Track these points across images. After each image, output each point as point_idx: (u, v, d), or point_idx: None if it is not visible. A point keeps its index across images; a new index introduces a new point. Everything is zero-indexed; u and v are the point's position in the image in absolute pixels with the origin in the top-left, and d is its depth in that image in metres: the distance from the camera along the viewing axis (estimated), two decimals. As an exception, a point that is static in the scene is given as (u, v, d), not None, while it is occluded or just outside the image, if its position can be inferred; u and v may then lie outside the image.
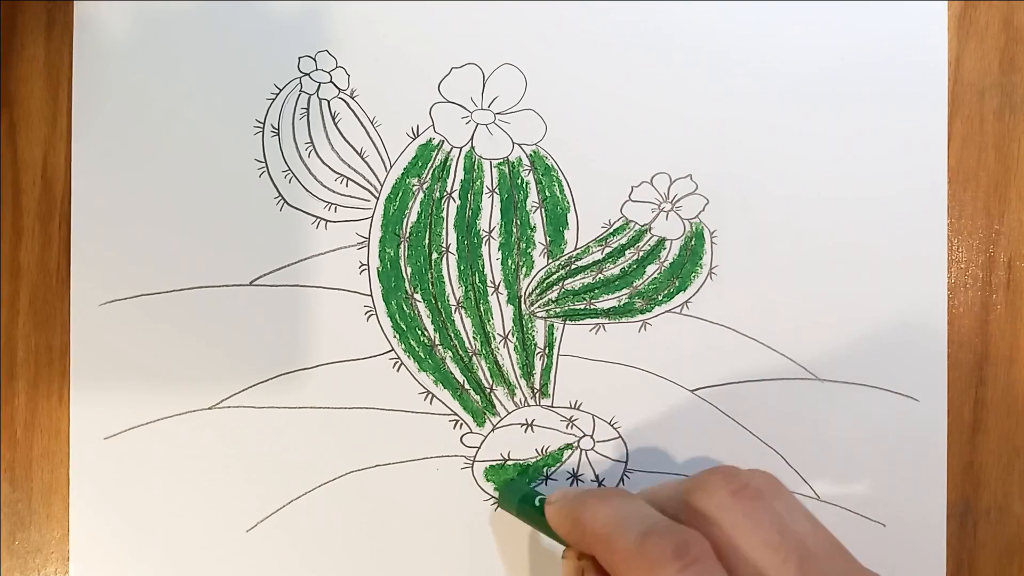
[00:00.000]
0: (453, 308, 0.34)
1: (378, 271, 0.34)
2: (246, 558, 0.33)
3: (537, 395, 0.34)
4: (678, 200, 0.34)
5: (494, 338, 0.34)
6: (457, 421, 0.34)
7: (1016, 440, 0.34)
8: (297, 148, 0.34)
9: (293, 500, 0.33)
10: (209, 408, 0.33)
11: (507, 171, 0.34)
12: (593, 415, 0.34)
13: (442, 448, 0.34)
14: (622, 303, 0.34)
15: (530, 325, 0.34)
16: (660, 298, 0.34)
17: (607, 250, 0.34)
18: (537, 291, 0.34)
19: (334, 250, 0.34)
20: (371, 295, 0.34)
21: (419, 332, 0.34)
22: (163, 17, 0.34)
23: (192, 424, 0.33)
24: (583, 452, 0.34)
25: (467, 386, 0.34)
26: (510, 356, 0.34)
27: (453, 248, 0.34)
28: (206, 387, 0.33)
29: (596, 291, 0.34)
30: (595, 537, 0.26)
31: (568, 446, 0.34)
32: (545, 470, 0.34)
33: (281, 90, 0.34)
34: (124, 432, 0.33)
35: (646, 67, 0.34)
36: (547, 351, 0.34)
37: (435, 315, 0.34)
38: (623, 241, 0.34)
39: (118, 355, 0.33)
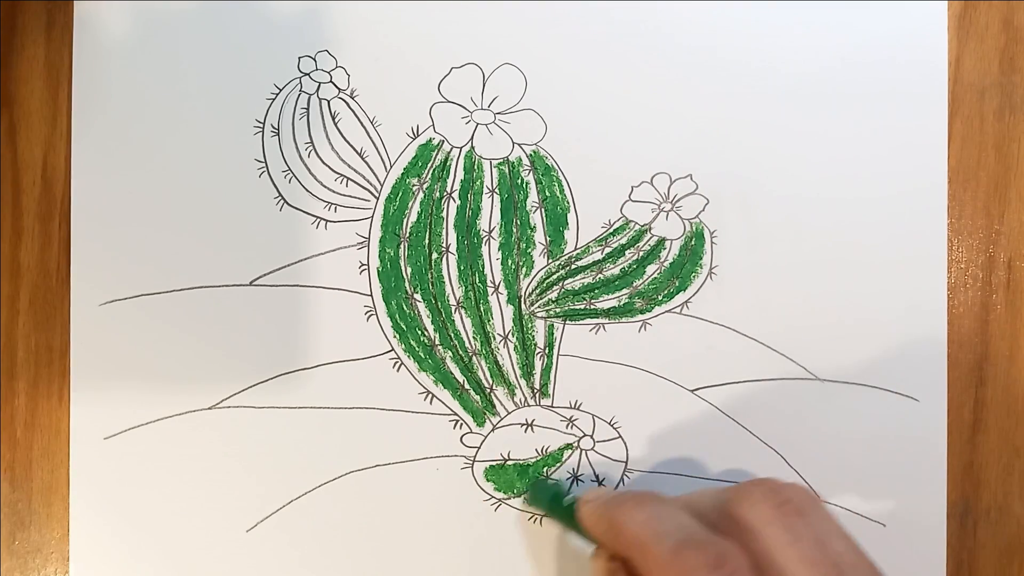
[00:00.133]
0: (453, 308, 0.34)
1: (378, 271, 0.34)
2: (246, 558, 0.33)
3: (537, 395, 0.34)
4: (678, 200, 0.34)
5: (494, 338, 0.34)
6: (457, 421, 0.34)
7: (1016, 440, 0.34)
8: (297, 148, 0.34)
9: (293, 500, 0.33)
10: (209, 408, 0.33)
11: (507, 171, 0.34)
12: (593, 415, 0.34)
13: (442, 448, 0.34)
14: (622, 303, 0.34)
15: (530, 325, 0.34)
16: (660, 298, 0.34)
17: (607, 250, 0.34)
18: (537, 291, 0.34)
19: (334, 250, 0.34)
20: (371, 295, 0.34)
21: (419, 332, 0.34)
22: (163, 17, 0.34)
23: (192, 424, 0.33)
24: (583, 452, 0.34)
25: (467, 386, 0.34)
26: (510, 356, 0.34)
27: (453, 248, 0.34)
28: (206, 387, 0.33)
29: (596, 291, 0.34)
30: (631, 541, 0.26)
31: (568, 446, 0.34)
32: (545, 470, 0.34)
33: (281, 90, 0.34)
34: (124, 432, 0.33)
35: (646, 67, 0.34)
36: (547, 351, 0.34)
37: (435, 315, 0.34)
38: (623, 241, 0.34)
39: (118, 355, 0.33)
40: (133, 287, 0.33)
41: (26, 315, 0.34)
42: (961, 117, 0.35)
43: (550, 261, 0.34)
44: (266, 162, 0.34)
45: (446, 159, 0.34)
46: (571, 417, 0.34)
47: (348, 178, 0.34)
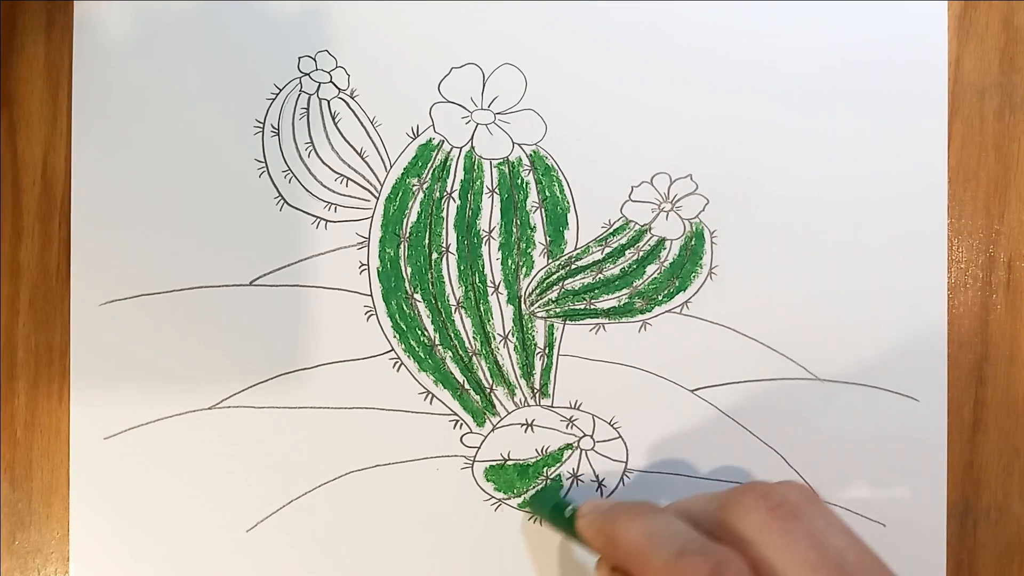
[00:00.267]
0: (453, 308, 0.34)
1: (378, 271, 0.34)
2: (246, 558, 0.33)
3: (537, 395, 0.34)
4: (678, 200, 0.34)
5: (494, 338, 0.34)
6: (457, 421, 0.34)
7: (1016, 440, 0.34)
8: (297, 148, 0.34)
9: (293, 500, 0.33)
10: (209, 408, 0.33)
11: (507, 171, 0.34)
12: (593, 415, 0.34)
13: (442, 448, 0.34)
14: (622, 303, 0.34)
15: (530, 325, 0.34)
16: (660, 298, 0.34)
17: (607, 250, 0.34)
18: (537, 291, 0.34)
19: (334, 250, 0.34)
20: (371, 295, 0.34)
21: (419, 332, 0.34)
22: (163, 17, 0.34)
23: (192, 424, 0.33)
24: (583, 452, 0.34)
25: (467, 386, 0.34)
26: (510, 356, 0.34)
27: (453, 248, 0.34)
28: (206, 387, 0.33)
29: (596, 291, 0.34)
30: (629, 554, 0.26)
31: (568, 446, 0.34)
32: (545, 470, 0.34)
33: (281, 90, 0.34)
34: (124, 432, 0.33)
35: (646, 67, 0.34)
36: (547, 351, 0.34)
37: (435, 315, 0.34)
38: (623, 241, 0.34)
39: (118, 355, 0.33)
40: (133, 287, 0.33)
41: (26, 315, 0.34)
42: (961, 117, 0.35)
43: (550, 261, 0.34)
44: (266, 162, 0.34)
45: (446, 159, 0.34)
46: (571, 417, 0.34)
47: (348, 178, 0.34)
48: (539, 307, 0.34)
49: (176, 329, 0.33)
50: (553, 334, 0.34)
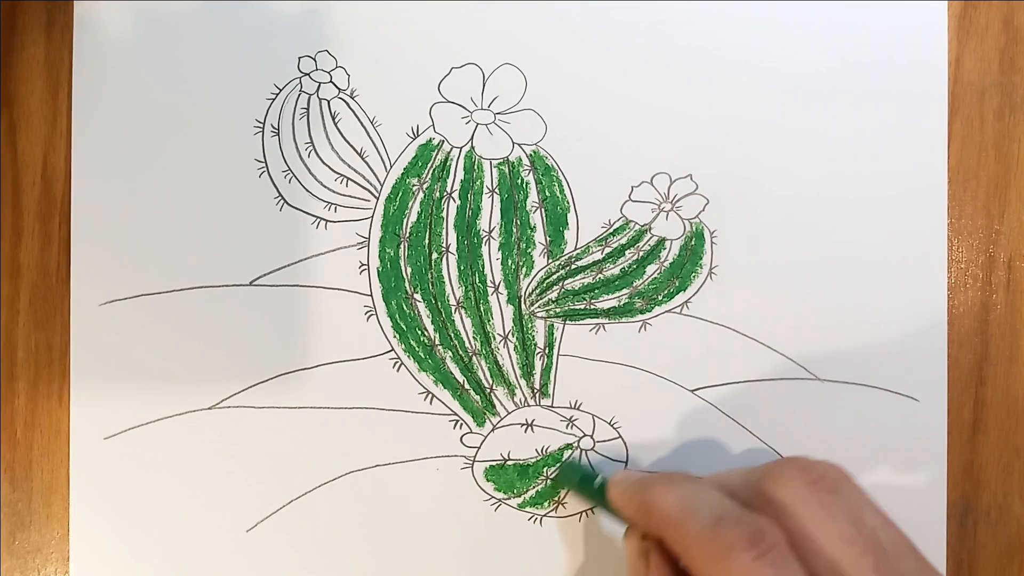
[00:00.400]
0: (453, 308, 0.34)
1: (378, 271, 0.34)
2: (246, 558, 0.33)
3: (537, 395, 0.34)
4: (678, 200, 0.34)
5: (494, 338, 0.34)
6: (457, 421, 0.34)
7: (1016, 440, 0.34)
8: (297, 148, 0.34)
9: (293, 500, 0.33)
10: (209, 408, 0.33)
11: (507, 171, 0.34)
12: (593, 415, 0.34)
13: (442, 448, 0.34)
14: (622, 303, 0.34)
15: (530, 325, 0.34)
16: (660, 298, 0.34)
17: (607, 250, 0.34)
18: (537, 291, 0.34)
19: (334, 250, 0.34)
20: (371, 295, 0.34)
21: (419, 332, 0.34)
22: (163, 17, 0.34)
23: (192, 424, 0.33)
24: (583, 452, 0.34)
25: (467, 386, 0.34)
26: (510, 356, 0.34)
27: (453, 248, 0.34)
28: (206, 387, 0.33)
29: (596, 291, 0.34)
30: (665, 520, 0.26)
31: (568, 446, 0.34)
32: (545, 470, 0.34)
33: (281, 90, 0.34)
34: (124, 432, 0.33)
35: (646, 67, 0.34)
36: (547, 351, 0.34)
37: (435, 315, 0.34)
38: (623, 241, 0.34)
39: (118, 355, 0.33)
40: (133, 287, 0.33)
41: (26, 315, 0.34)
42: (961, 117, 0.35)
43: (550, 261, 0.34)
44: (266, 162, 0.34)
45: (446, 159, 0.34)
46: (571, 417, 0.34)
47: (348, 178, 0.34)
48: (539, 307, 0.34)
49: (176, 329, 0.33)
50: (553, 334, 0.34)
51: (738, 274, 0.34)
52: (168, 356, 0.33)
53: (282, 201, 0.34)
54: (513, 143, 0.34)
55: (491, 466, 0.34)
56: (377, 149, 0.34)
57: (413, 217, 0.34)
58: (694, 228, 0.34)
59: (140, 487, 0.33)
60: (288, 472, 0.33)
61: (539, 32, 0.34)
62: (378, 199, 0.34)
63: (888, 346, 0.34)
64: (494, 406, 0.34)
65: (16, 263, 0.34)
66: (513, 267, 0.34)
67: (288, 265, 0.34)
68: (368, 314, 0.34)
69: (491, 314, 0.34)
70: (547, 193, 0.34)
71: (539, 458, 0.34)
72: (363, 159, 0.34)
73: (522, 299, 0.34)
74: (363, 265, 0.34)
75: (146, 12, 0.34)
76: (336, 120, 0.34)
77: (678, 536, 0.25)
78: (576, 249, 0.34)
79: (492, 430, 0.34)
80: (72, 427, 0.33)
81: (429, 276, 0.34)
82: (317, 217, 0.34)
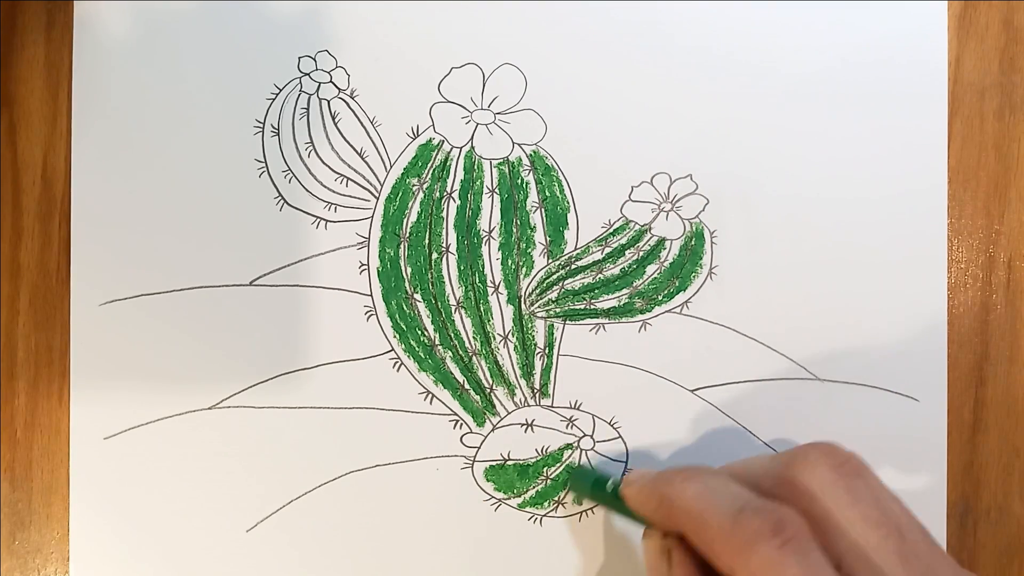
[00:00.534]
0: (453, 308, 0.34)
1: (378, 271, 0.34)
2: (246, 558, 0.33)
3: (537, 395, 0.34)
4: (678, 200, 0.34)
5: (494, 338, 0.34)
6: (457, 421, 0.34)
7: (1016, 440, 0.34)
8: (297, 148, 0.34)
9: (293, 500, 0.33)
10: (209, 408, 0.33)
11: (507, 171, 0.34)
12: (593, 415, 0.34)
13: (442, 448, 0.34)
14: (622, 303, 0.34)
15: (530, 325, 0.34)
16: (660, 298, 0.34)
17: (607, 250, 0.34)
18: (537, 291, 0.34)
19: (334, 250, 0.34)
20: (371, 295, 0.34)
21: (419, 332, 0.34)
22: (163, 17, 0.34)
23: (192, 424, 0.33)
24: (583, 452, 0.34)
25: (467, 386, 0.34)
26: (510, 356, 0.34)
27: (453, 248, 0.34)
28: (206, 387, 0.33)
29: (596, 291, 0.34)
30: (686, 514, 0.26)
31: (568, 446, 0.34)
32: (545, 470, 0.34)
33: (281, 90, 0.34)
34: (124, 432, 0.33)
35: (646, 67, 0.34)
36: (547, 351, 0.34)
37: (435, 315, 0.34)
38: (623, 241, 0.34)
39: (118, 355, 0.33)
40: (133, 287, 0.33)
41: (26, 315, 0.34)
42: (961, 117, 0.35)
43: (550, 261, 0.34)
44: (266, 162, 0.34)
45: (446, 159, 0.34)
46: (571, 417, 0.34)
47: (348, 178, 0.34)
48: (539, 307, 0.34)
49: (176, 329, 0.33)
50: (553, 334, 0.34)
51: (738, 274, 0.34)
52: (168, 356, 0.33)
53: (282, 201, 0.34)
54: (513, 143, 0.34)
55: (491, 466, 0.34)
56: (377, 149, 0.34)
57: (413, 217, 0.34)
58: (694, 228, 0.34)
59: (140, 487, 0.33)
60: (288, 472, 0.33)
61: (539, 32, 0.34)
62: (378, 199, 0.34)
63: (888, 346, 0.34)
64: (494, 406, 0.34)
65: (16, 263, 0.34)
66: (513, 267, 0.34)
67: (288, 265, 0.34)
68: (368, 314, 0.34)
69: (491, 314, 0.34)
70: (547, 193, 0.34)
71: (539, 458, 0.34)
72: (363, 159, 0.34)
73: (522, 299, 0.34)
74: (363, 265, 0.34)
75: (146, 12, 0.34)
76: (336, 120, 0.34)
77: (699, 529, 0.25)
78: (576, 249, 0.34)
79: (492, 430, 0.34)
80: (72, 427, 0.33)
81: (429, 276, 0.34)
82: (317, 217, 0.34)
